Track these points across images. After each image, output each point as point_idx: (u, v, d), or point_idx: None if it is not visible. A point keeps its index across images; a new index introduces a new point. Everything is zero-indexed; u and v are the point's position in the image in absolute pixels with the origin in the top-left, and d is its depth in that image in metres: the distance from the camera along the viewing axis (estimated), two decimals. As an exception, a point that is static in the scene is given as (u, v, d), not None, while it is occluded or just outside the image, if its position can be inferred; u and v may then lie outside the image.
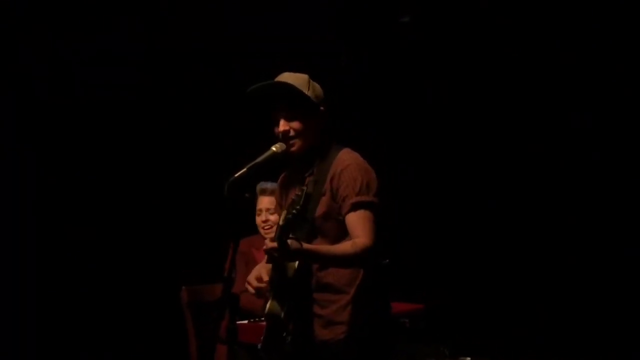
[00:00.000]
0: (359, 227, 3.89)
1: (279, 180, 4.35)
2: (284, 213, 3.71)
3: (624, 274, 6.02)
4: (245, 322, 4.96)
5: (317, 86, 4.11)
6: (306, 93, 4.01)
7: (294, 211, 3.60)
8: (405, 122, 6.91)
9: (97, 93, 6.74)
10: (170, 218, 6.91)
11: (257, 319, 5.06)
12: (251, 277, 4.01)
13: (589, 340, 6.04)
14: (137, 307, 6.68)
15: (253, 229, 5.79)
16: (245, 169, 3.81)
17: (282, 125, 4.03)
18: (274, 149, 3.95)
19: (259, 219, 5.78)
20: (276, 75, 4.09)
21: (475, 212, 6.61)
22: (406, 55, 6.83)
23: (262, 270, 4.01)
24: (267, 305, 3.91)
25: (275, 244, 3.70)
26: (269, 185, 5.72)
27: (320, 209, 3.95)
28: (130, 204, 6.81)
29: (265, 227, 5.75)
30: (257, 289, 3.98)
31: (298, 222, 3.66)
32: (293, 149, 4.05)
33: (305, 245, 3.79)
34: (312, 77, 4.15)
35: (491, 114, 6.56)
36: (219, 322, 4.05)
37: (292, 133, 4.02)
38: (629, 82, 6.02)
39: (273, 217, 5.71)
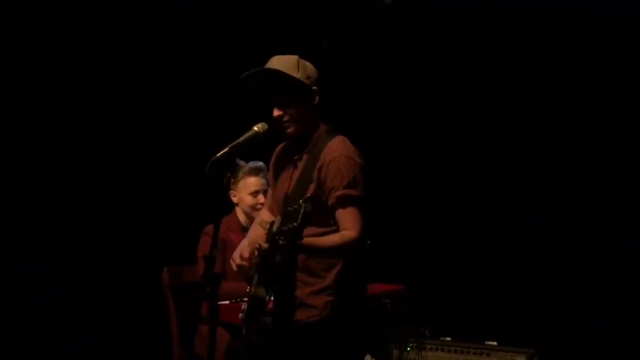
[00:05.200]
0: (347, 220, 3.92)
1: (275, 154, 4.37)
2: (278, 220, 3.70)
3: (598, 257, 6.09)
4: (227, 302, 4.96)
5: (309, 65, 4.11)
6: (295, 76, 4.01)
7: (290, 226, 3.57)
8: (387, 106, 6.93)
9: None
10: (151, 199, 6.90)
11: (239, 300, 5.06)
12: (235, 255, 4.06)
13: (566, 319, 6.08)
14: (118, 288, 6.65)
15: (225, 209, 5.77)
16: (227, 148, 3.83)
17: (276, 111, 4.06)
18: (255, 128, 3.96)
19: (254, 200, 5.70)
20: (262, 60, 4.11)
21: (454, 192, 6.64)
22: (389, 39, 6.84)
23: (244, 249, 4.05)
24: (253, 288, 3.93)
25: (267, 246, 3.76)
26: (261, 164, 5.71)
27: (307, 195, 3.92)
28: (112, 186, 6.79)
29: (260, 208, 5.71)
30: (239, 266, 4.03)
31: (292, 237, 3.62)
32: (289, 131, 4.09)
33: (294, 242, 3.78)
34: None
35: (472, 98, 6.60)
36: (201, 302, 4.07)
37: (286, 118, 4.06)
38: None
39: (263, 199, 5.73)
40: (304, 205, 3.54)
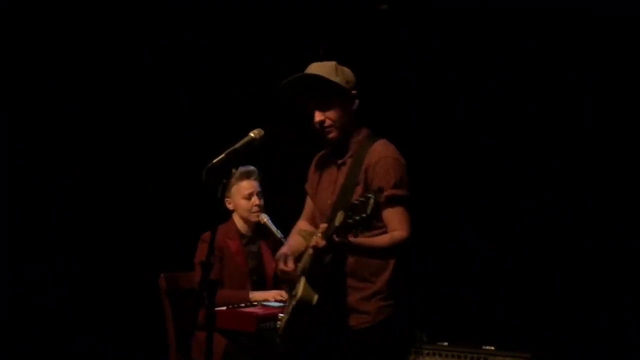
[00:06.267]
0: (395, 220, 4.00)
1: (313, 162, 4.43)
2: (341, 214, 3.65)
3: (597, 257, 6.06)
4: (224, 308, 4.96)
5: (347, 70, 4.18)
6: (335, 80, 4.06)
7: (357, 217, 3.54)
8: (387, 106, 6.92)
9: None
10: (148, 205, 6.90)
11: (235, 306, 5.07)
12: (279, 259, 4.08)
13: (566, 320, 6.07)
14: (116, 294, 6.67)
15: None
16: (223, 155, 3.84)
17: (317, 116, 4.12)
18: (252, 134, 3.97)
19: (248, 203, 5.72)
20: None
21: (454, 192, 6.62)
22: (389, 39, 6.83)
23: (287, 255, 4.08)
24: (300, 292, 3.90)
25: (324, 243, 3.74)
26: (251, 168, 5.73)
27: (354, 198, 3.94)
28: (112, 187, 6.80)
29: (256, 212, 5.73)
30: (283, 271, 4.05)
31: (357, 228, 3.60)
32: (330, 136, 4.14)
33: (347, 240, 3.80)
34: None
35: (472, 98, 6.58)
36: (198, 309, 4.08)
37: (327, 122, 4.12)
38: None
39: (261, 201, 5.73)
40: (373, 196, 3.52)
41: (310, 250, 3.86)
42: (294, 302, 3.97)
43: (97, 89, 6.75)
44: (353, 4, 6.88)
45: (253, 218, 5.72)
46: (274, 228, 5.62)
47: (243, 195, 5.73)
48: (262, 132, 3.97)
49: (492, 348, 5.19)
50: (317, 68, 4.11)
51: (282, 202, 6.33)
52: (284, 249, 4.21)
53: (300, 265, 4.04)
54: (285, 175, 6.90)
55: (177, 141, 6.94)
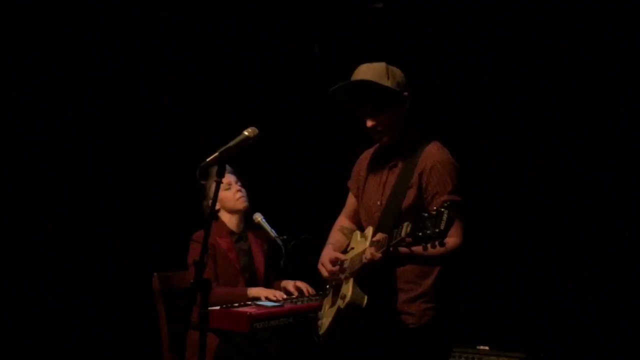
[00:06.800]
0: (452, 227, 3.88)
1: (360, 161, 4.38)
2: (407, 226, 3.58)
3: (597, 257, 6.05)
4: (217, 308, 4.96)
5: (397, 71, 4.09)
6: (386, 84, 3.99)
7: (428, 232, 3.45)
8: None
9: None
10: (142, 205, 6.91)
11: (229, 305, 5.06)
12: (325, 261, 4.08)
13: (565, 319, 6.06)
14: (109, 294, 6.66)
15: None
16: (217, 153, 3.84)
17: (369, 122, 4.04)
18: (246, 133, 3.94)
19: (231, 192, 5.71)
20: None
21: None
22: (388, 39, 6.82)
23: (332, 255, 4.08)
24: (349, 294, 3.87)
25: (380, 256, 3.71)
26: None
27: (406, 201, 3.96)
28: (103, 191, 6.80)
29: (241, 198, 5.72)
30: (332, 272, 4.04)
31: (428, 242, 3.50)
32: (384, 141, 4.09)
33: (403, 250, 3.78)
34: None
35: (472, 98, 6.55)
36: (191, 308, 4.08)
37: (380, 128, 4.04)
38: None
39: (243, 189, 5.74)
40: (446, 211, 3.43)
41: (365, 259, 3.79)
42: (342, 305, 3.93)
43: (96, 88, 6.74)
44: (350, 3, 6.87)
45: (240, 205, 5.70)
46: (268, 227, 5.62)
47: (224, 188, 5.70)
48: (257, 130, 3.95)
49: (487, 348, 5.20)
50: (366, 72, 4.04)
51: (282, 201, 6.36)
52: (327, 248, 4.21)
53: (347, 266, 4.00)
54: (284, 175, 6.91)
55: (172, 141, 6.94)
